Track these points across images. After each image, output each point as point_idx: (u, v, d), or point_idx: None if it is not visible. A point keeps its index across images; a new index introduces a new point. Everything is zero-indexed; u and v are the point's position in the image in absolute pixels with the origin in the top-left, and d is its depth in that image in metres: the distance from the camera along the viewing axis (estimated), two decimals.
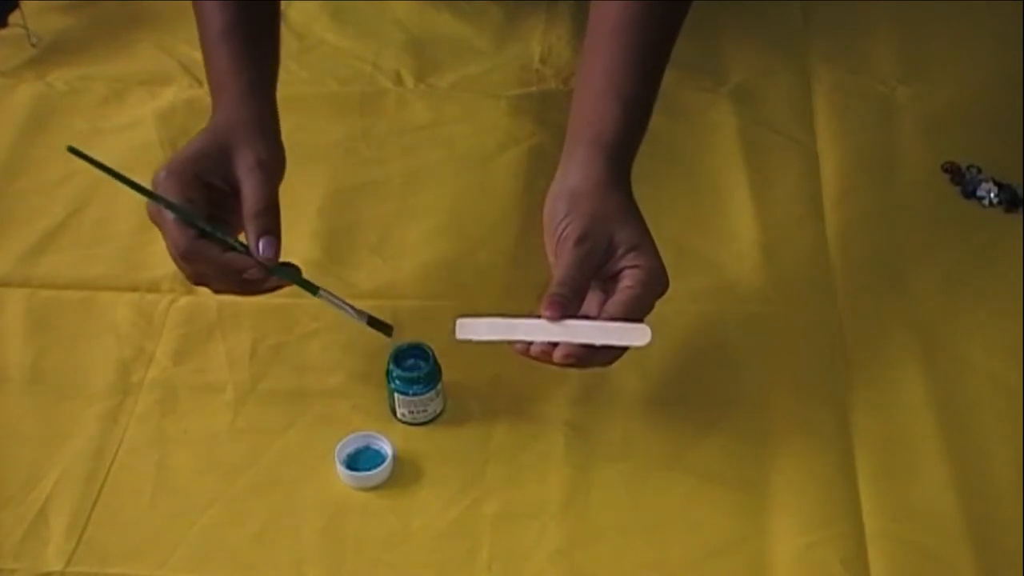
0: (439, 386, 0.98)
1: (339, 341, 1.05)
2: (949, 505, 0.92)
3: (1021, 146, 1.19)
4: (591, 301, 0.91)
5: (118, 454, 0.97)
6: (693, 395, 1.00)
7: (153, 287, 1.09)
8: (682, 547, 0.91)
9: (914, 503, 0.93)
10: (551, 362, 0.89)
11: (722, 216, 1.15)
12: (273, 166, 0.96)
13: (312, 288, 0.95)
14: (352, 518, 0.93)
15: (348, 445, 0.96)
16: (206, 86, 1.28)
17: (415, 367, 0.97)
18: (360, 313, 0.95)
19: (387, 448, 0.96)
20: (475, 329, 0.93)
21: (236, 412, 1.00)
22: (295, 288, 0.97)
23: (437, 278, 1.04)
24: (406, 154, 1.23)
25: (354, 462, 0.96)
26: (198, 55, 1.32)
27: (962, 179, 1.17)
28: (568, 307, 0.89)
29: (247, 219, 0.93)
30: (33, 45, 1.34)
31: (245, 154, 0.94)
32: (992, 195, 1.15)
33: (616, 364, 1.01)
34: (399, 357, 0.98)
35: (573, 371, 1.01)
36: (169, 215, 0.92)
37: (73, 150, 0.94)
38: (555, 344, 0.89)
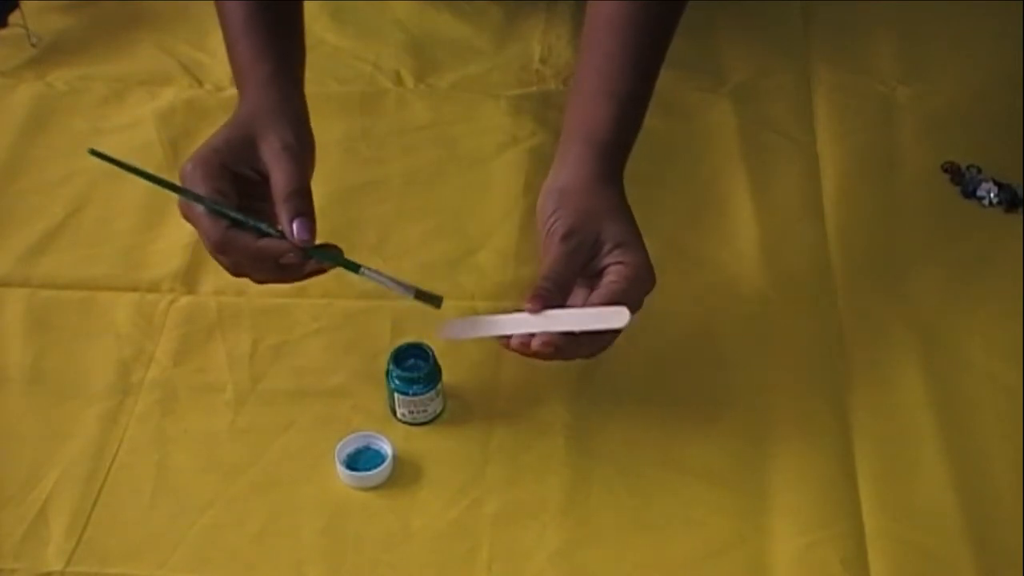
0: (439, 386, 0.98)
1: (339, 341, 1.05)
2: (949, 505, 0.92)
3: (1021, 146, 1.19)
4: (576, 297, 0.92)
5: (118, 454, 0.97)
6: (693, 395, 1.00)
7: (153, 287, 1.09)
8: (682, 547, 0.91)
9: (914, 503, 0.93)
10: (531, 353, 0.89)
11: (722, 216, 1.15)
12: (301, 149, 0.95)
13: (354, 267, 0.93)
14: (352, 518, 0.93)
15: (348, 445, 0.96)
16: (206, 86, 1.29)
17: (415, 367, 0.97)
18: (407, 287, 0.93)
19: (387, 448, 0.96)
20: (458, 328, 0.93)
21: (236, 412, 1.00)
22: (295, 288, 0.97)
23: (437, 278, 1.04)
24: (406, 154, 1.23)
25: (354, 462, 0.96)
26: (198, 55, 1.33)
27: (962, 179, 1.17)
28: (551, 301, 0.89)
29: (278, 203, 0.91)
30: (33, 45, 1.34)
31: (271, 139, 0.93)
32: (992, 195, 1.15)
33: (616, 364, 1.01)
34: (399, 357, 0.98)
35: (572, 371, 1.01)
36: (199, 208, 0.91)
37: (95, 152, 0.93)
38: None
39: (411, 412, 0.98)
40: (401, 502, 0.94)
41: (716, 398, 1.00)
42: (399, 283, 0.93)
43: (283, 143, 0.93)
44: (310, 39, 1.32)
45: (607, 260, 0.91)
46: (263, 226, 0.91)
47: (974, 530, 0.91)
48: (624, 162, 0.98)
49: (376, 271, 0.93)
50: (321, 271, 0.94)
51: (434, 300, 0.94)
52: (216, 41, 1.32)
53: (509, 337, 0.90)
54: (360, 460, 0.96)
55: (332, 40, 1.34)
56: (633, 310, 0.90)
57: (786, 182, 1.18)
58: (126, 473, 0.96)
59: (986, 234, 1.13)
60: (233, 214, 0.91)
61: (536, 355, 0.90)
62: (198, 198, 0.91)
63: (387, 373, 0.98)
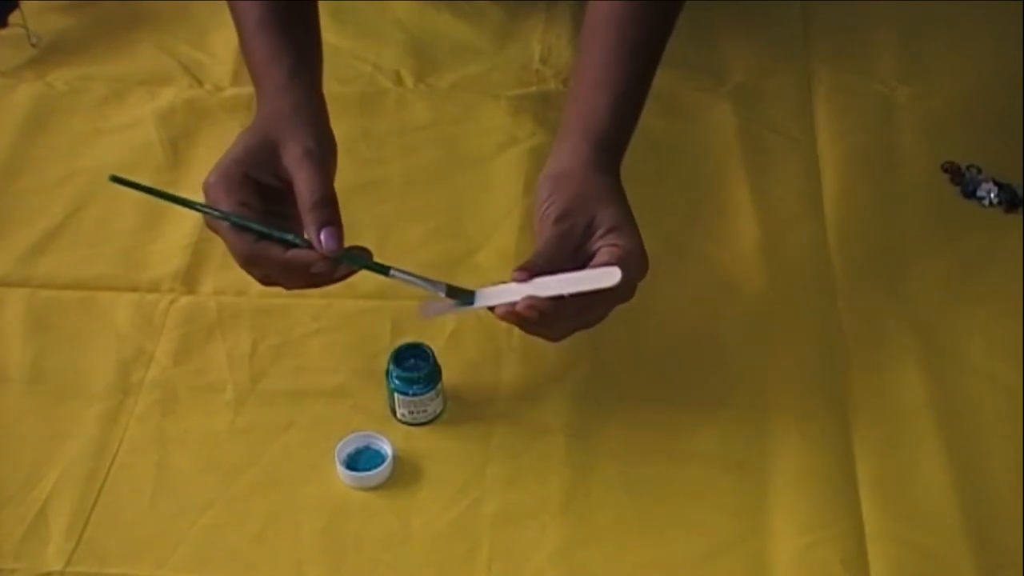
0: (439, 386, 0.98)
1: (339, 341, 1.05)
2: (949, 505, 0.92)
3: (1021, 146, 1.19)
4: None
5: (118, 454, 0.97)
6: (693, 395, 1.00)
7: (153, 287, 1.09)
8: (682, 547, 0.91)
9: (914, 503, 0.93)
10: (516, 319, 0.88)
11: (722, 216, 1.15)
12: (323, 154, 0.94)
13: (383, 269, 0.92)
14: (352, 518, 0.93)
15: (348, 445, 0.96)
16: (206, 86, 1.29)
17: (415, 367, 0.97)
18: (436, 284, 0.93)
19: (387, 448, 0.96)
20: (442, 304, 0.92)
21: (236, 412, 1.00)
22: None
23: (437, 278, 1.04)
24: (406, 154, 1.22)
25: (354, 462, 0.96)
26: (198, 55, 1.33)
27: (962, 179, 1.17)
28: (539, 272, 0.88)
29: (304, 213, 0.90)
30: (33, 45, 1.34)
31: (291, 146, 0.93)
32: (992, 195, 1.15)
33: (616, 364, 1.02)
34: (399, 357, 0.98)
35: (572, 371, 1.01)
36: (224, 223, 0.91)
37: (116, 178, 0.92)
38: None
39: (411, 412, 0.98)
40: (401, 502, 0.94)
41: (716, 398, 1.00)
42: (429, 281, 0.93)
43: (304, 149, 0.93)
44: None
45: (600, 243, 0.91)
46: (290, 237, 0.91)
47: (974, 530, 0.91)
48: (621, 154, 0.98)
49: (405, 271, 0.93)
50: (351, 273, 0.93)
51: (466, 295, 0.93)
52: (216, 41, 1.32)
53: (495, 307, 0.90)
54: (360, 460, 0.96)
55: (332, 40, 1.33)
56: (626, 296, 0.90)
57: (786, 182, 1.18)
58: (126, 473, 0.96)
59: (986, 234, 1.13)
60: (259, 227, 0.90)
61: (522, 321, 0.88)
62: (223, 215, 0.90)
63: (387, 373, 0.98)
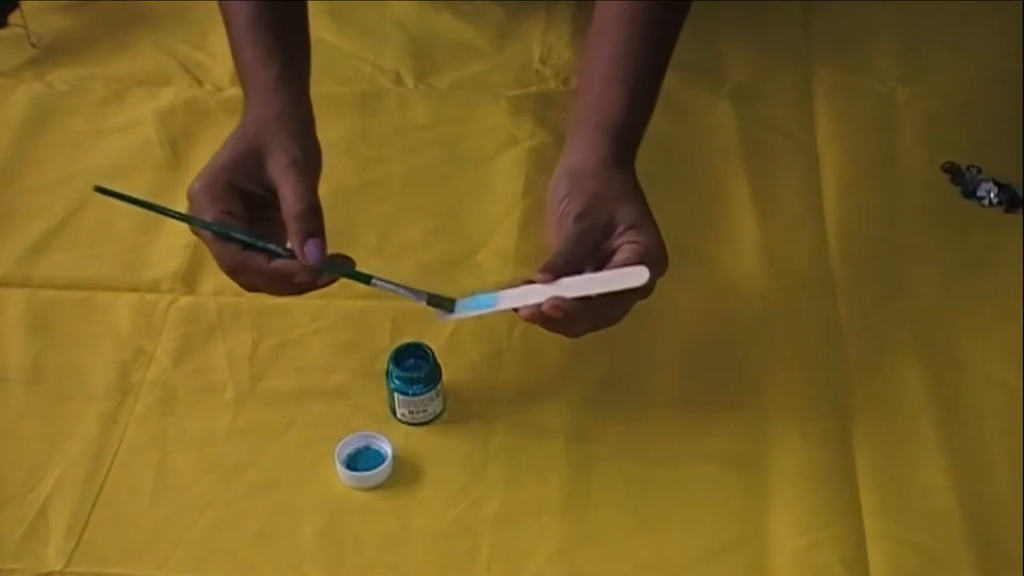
0: (439, 386, 0.98)
1: (339, 341, 1.05)
2: (949, 505, 0.92)
3: (1021, 146, 1.19)
4: None
5: (118, 454, 0.97)
6: (693, 395, 1.00)
7: (153, 287, 1.09)
8: (682, 547, 0.91)
9: (914, 503, 0.93)
10: (540, 319, 0.88)
11: (722, 216, 1.15)
12: (308, 164, 0.94)
13: (365, 279, 0.93)
14: (352, 518, 0.93)
15: (348, 445, 0.96)
16: (206, 86, 1.29)
17: (415, 367, 0.97)
18: (418, 293, 0.93)
19: (387, 448, 0.96)
20: (466, 306, 0.92)
21: (236, 412, 1.00)
22: None
23: (437, 278, 1.04)
24: (406, 154, 1.22)
25: (354, 462, 0.96)
26: (198, 55, 1.33)
27: (962, 179, 1.17)
28: (563, 273, 0.88)
29: (288, 223, 0.91)
30: (33, 45, 1.34)
31: (277, 156, 0.93)
32: (992, 195, 1.15)
33: (616, 364, 1.02)
34: (399, 357, 0.98)
35: (572, 371, 1.01)
36: (209, 232, 0.91)
37: (100, 189, 0.93)
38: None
39: (411, 412, 0.98)
40: (401, 502, 0.94)
41: (715, 398, 1.00)
42: (410, 290, 0.93)
43: (290, 159, 0.93)
44: None
45: (620, 240, 0.90)
46: (272, 247, 0.91)
47: (974, 530, 0.91)
48: (635, 148, 0.97)
49: (387, 281, 0.93)
50: (334, 280, 0.93)
51: (446, 304, 0.94)
52: (216, 41, 1.32)
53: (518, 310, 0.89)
54: (360, 460, 0.96)
55: (332, 40, 1.34)
56: (646, 293, 0.89)
57: (786, 182, 1.18)
58: (126, 473, 0.96)
59: (986, 234, 1.13)
60: (242, 237, 0.91)
61: (545, 320, 0.88)
62: (206, 225, 0.91)
63: (387, 373, 0.98)
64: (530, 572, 0.90)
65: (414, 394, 0.97)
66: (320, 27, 1.34)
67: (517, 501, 0.94)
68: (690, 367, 1.02)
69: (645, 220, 0.91)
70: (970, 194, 1.16)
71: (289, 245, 0.92)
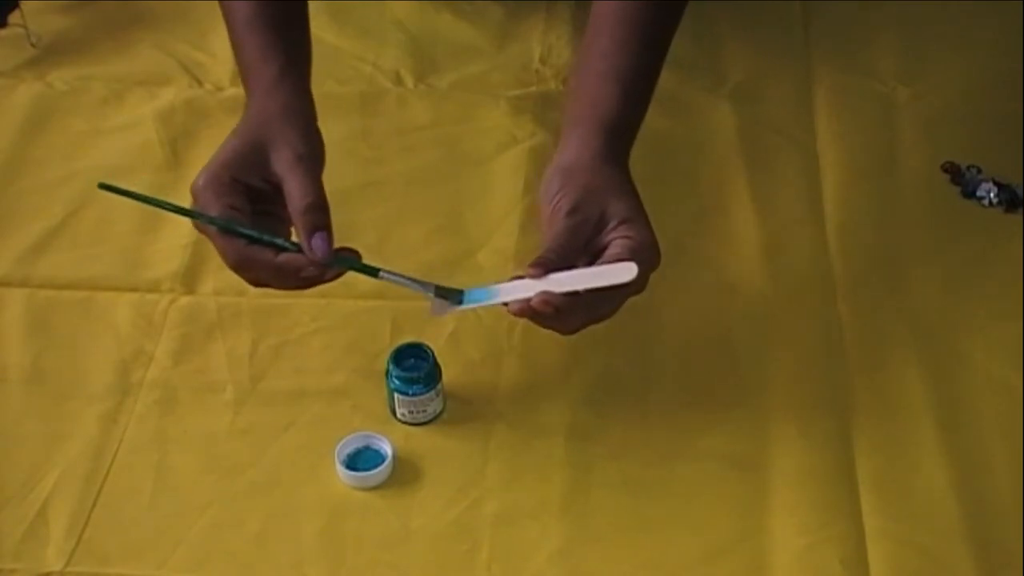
0: (439, 386, 0.98)
1: (339, 341, 1.05)
2: (949, 505, 0.92)
3: (1021, 146, 1.19)
4: None
5: (118, 454, 0.97)
6: (693, 395, 1.00)
7: (153, 287, 1.09)
8: (682, 547, 0.91)
9: (914, 503, 0.93)
10: (530, 314, 0.88)
11: (722, 216, 1.15)
12: (313, 158, 0.94)
13: (373, 271, 0.93)
14: (352, 518, 0.93)
15: (348, 445, 0.96)
16: (206, 86, 1.29)
17: (415, 367, 0.97)
18: (426, 285, 0.93)
19: (387, 448, 0.96)
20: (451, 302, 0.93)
21: (236, 412, 1.00)
22: None
23: (437, 278, 1.04)
24: (406, 154, 1.22)
25: (354, 462, 0.95)
26: (198, 55, 1.33)
27: (962, 179, 1.17)
28: (554, 268, 0.88)
29: (295, 217, 0.91)
30: (33, 45, 1.34)
31: (282, 150, 0.93)
32: (992, 195, 1.15)
33: (616, 364, 1.01)
34: (399, 357, 0.98)
35: (572, 371, 1.01)
36: (214, 228, 0.91)
37: (105, 186, 0.93)
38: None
39: (411, 412, 0.98)
40: (401, 502, 0.94)
41: (716, 398, 1.00)
42: (418, 282, 0.93)
43: (295, 153, 0.93)
44: None
45: (612, 235, 0.90)
46: (279, 241, 0.91)
47: (974, 530, 0.91)
48: (629, 145, 0.97)
49: (395, 273, 0.93)
50: (341, 274, 0.93)
51: (454, 295, 0.93)
52: (216, 41, 1.32)
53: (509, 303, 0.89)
54: (360, 460, 0.96)
55: (332, 40, 1.34)
56: (638, 289, 0.89)
57: (786, 182, 1.18)
58: (126, 473, 0.96)
59: (986, 234, 1.13)
60: (248, 232, 0.91)
61: (534, 316, 0.88)
62: (212, 219, 0.91)
63: (387, 373, 0.98)
64: (530, 572, 0.90)
65: (414, 394, 0.97)
66: (320, 27, 1.34)
67: (517, 501, 0.94)
68: (690, 367, 1.02)
69: (637, 215, 0.91)
70: (970, 194, 1.16)
71: (295, 239, 0.92)
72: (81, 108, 1.28)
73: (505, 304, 0.90)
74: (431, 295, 0.93)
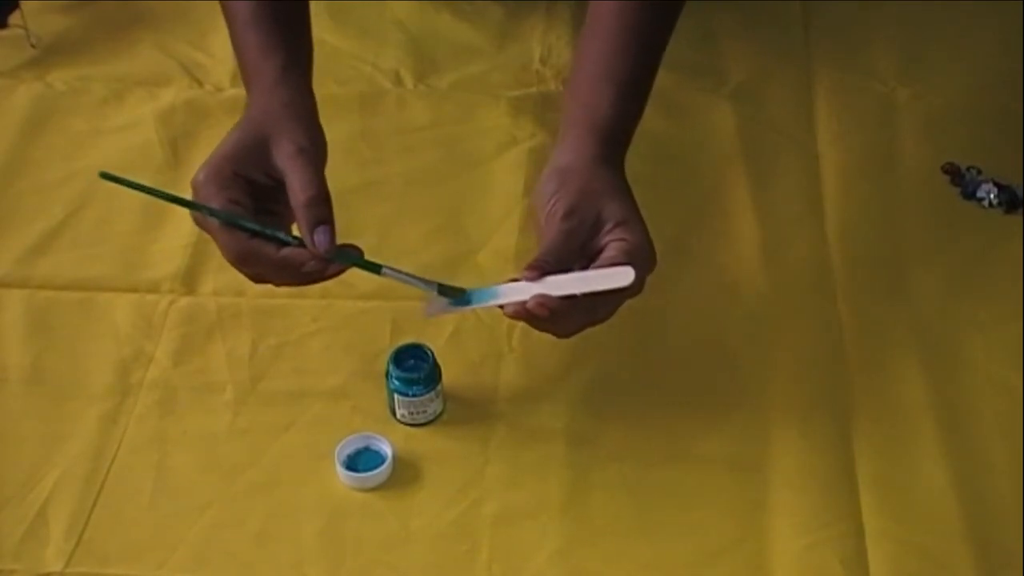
0: (438, 387, 0.98)
1: (339, 341, 1.05)
2: (949, 505, 0.92)
3: (1021, 146, 1.19)
4: None
5: (118, 454, 0.97)
6: (693, 395, 1.00)
7: (153, 287, 1.09)
8: (682, 547, 0.91)
9: (914, 503, 0.93)
10: (525, 316, 0.88)
11: (722, 216, 1.15)
12: (315, 151, 0.94)
13: (375, 268, 0.92)
14: (352, 518, 0.93)
15: (348, 446, 0.96)
16: (206, 86, 1.29)
17: (415, 368, 0.97)
18: (429, 283, 0.93)
19: (387, 449, 0.96)
20: (444, 305, 0.92)
21: (236, 412, 1.00)
22: (295, 288, 0.97)
23: (437, 278, 1.04)
24: (406, 154, 1.22)
25: (354, 463, 0.95)
26: (198, 55, 1.33)
27: (962, 180, 1.17)
28: (550, 270, 0.88)
29: (297, 211, 0.90)
30: (33, 45, 1.34)
31: (283, 144, 0.92)
32: (992, 196, 1.15)
33: (616, 365, 1.01)
34: (399, 358, 0.98)
35: (572, 371, 1.01)
36: (215, 222, 0.90)
37: (106, 175, 0.92)
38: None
39: (411, 413, 0.98)
40: (401, 503, 0.94)
41: (716, 398, 1.00)
42: (421, 280, 0.93)
43: (297, 147, 0.92)
44: None
45: (607, 238, 0.91)
46: (281, 235, 0.91)
47: (974, 530, 0.91)
48: (625, 147, 0.97)
49: (397, 270, 0.93)
50: (343, 270, 0.93)
51: (457, 293, 0.93)
52: (216, 41, 1.32)
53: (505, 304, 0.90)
54: (360, 461, 0.96)
55: (332, 40, 1.34)
56: (636, 291, 0.89)
57: (786, 182, 1.18)
58: (126, 473, 0.96)
59: (986, 235, 1.13)
60: (251, 226, 0.90)
61: (530, 318, 0.89)
62: (214, 212, 0.90)
63: (387, 374, 0.98)
64: (530, 572, 0.90)
65: (414, 395, 0.97)
66: (320, 27, 1.33)
67: (517, 501, 0.94)
68: (690, 368, 1.02)
69: (632, 217, 0.91)
70: (970, 195, 1.16)
71: (297, 233, 0.91)
72: (81, 108, 1.28)
73: (501, 307, 0.90)
74: (433, 292, 0.93)
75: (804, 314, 1.06)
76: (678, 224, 1.13)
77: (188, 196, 0.94)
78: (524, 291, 0.88)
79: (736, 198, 1.17)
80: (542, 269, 0.88)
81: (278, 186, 0.92)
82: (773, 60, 1.32)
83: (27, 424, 1.00)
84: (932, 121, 1.24)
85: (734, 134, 1.23)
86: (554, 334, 0.92)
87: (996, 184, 1.15)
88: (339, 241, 0.92)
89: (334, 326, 1.06)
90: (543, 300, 0.87)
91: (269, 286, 0.96)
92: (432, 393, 0.97)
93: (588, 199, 0.91)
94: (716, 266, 1.10)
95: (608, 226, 0.91)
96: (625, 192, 0.94)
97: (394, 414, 0.99)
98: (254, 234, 0.90)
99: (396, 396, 0.97)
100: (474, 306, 0.93)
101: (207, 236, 0.94)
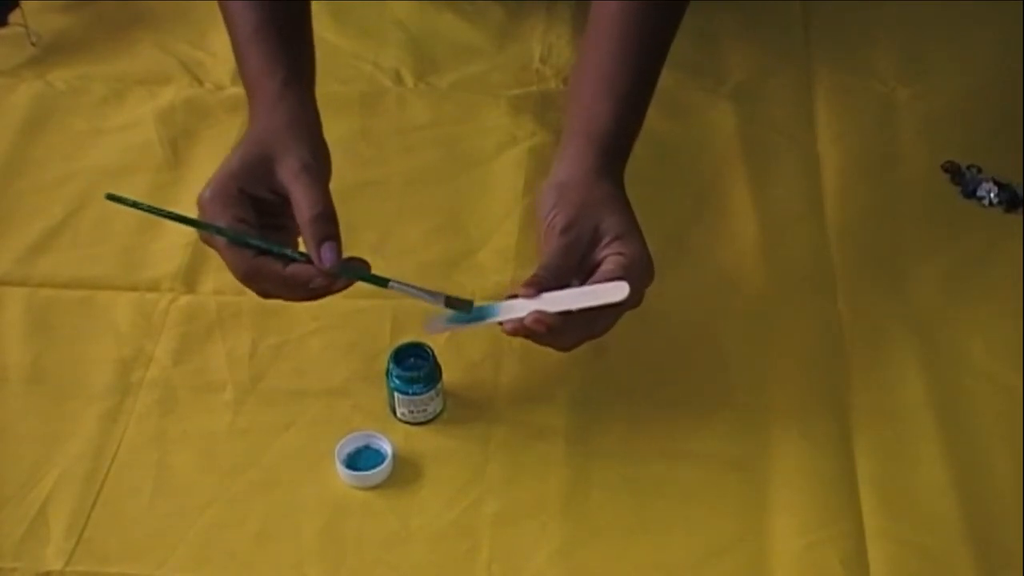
0: (439, 386, 0.98)
1: (339, 341, 1.05)
2: (949, 505, 0.92)
3: (1021, 146, 1.19)
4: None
5: (118, 454, 0.97)
6: (693, 395, 1.00)
7: (153, 287, 1.09)
8: (682, 547, 0.91)
9: (914, 503, 0.93)
10: (524, 332, 0.89)
11: (722, 216, 1.15)
12: (319, 167, 0.94)
13: (382, 282, 0.93)
14: (352, 518, 0.93)
15: (348, 445, 0.96)
16: (206, 85, 1.29)
17: (415, 367, 0.97)
18: (435, 295, 0.93)
19: (387, 448, 0.96)
20: (446, 322, 0.93)
21: (236, 412, 1.00)
22: None
23: (437, 278, 1.04)
24: (406, 154, 1.22)
25: (354, 462, 0.96)
26: (198, 55, 1.33)
27: (962, 179, 1.17)
28: (547, 287, 0.89)
29: (303, 228, 0.91)
30: (33, 45, 1.34)
31: (288, 160, 0.93)
32: (992, 195, 1.15)
33: (616, 364, 1.02)
34: (399, 356, 0.98)
35: (572, 371, 1.01)
36: (222, 240, 0.91)
37: (112, 196, 0.93)
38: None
39: (411, 412, 0.98)
40: (401, 502, 0.94)
41: (716, 397, 1.00)
42: (428, 292, 0.93)
43: (302, 163, 0.92)
44: None
45: (605, 251, 0.91)
46: (288, 252, 0.91)
47: (974, 530, 0.91)
48: (624, 160, 0.98)
49: (404, 283, 0.93)
50: (349, 284, 0.93)
51: (464, 305, 0.93)
52: (216, 40, 1.32)
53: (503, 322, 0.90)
54: (360, 460, 0.96)
55: (332, 40, 1.34)
56: (633, 304, 0.90)
57: (786, 182, 1.18)
58: (126, 473, 0.96)
59: (986, 234, 1.13)
60: (257, 243, 0.91)
61: (529, 334, 0.89)
62: (220, 230, 0.91)
63: (387, 373, 0.98)
64: (530, 572, 0.90)
65: (414, 394, 0.97)
66: (320, 27, 1.33)
67: (517, 501, 0.94)
68: (690, 367, 1.02)
69: (630, 231, 0.92)
70: (970, 194, 1.16)
71: (303, 249, 0.92)
72: (81, 108, 1.28)
73: (500, 323, 0.90)
74: (440, 304, 0.93)
75: (804, 313, 1.06)
76: (678, 223, 1.13)
77: (190, 198, 0.94)
78: (522, 308, 0.89)
79: (736, 198, 1.17)
80: (539, 286, 0.89)
81: (283, 202, 0.93)
82: (773, 60, 1.32)
83: (27, 423, 1.00)
84: (932, 121, 1.24)
85: (734, 134, 1.23)
86: (554, 348, 0.92)
87: (996, 183, 1.15)
88: (341, 239, 0.92)
89: (334, 325, 1.06)
90: (540, 317, 0.88)
91: None
92: (432, 392, 0.97)
93: (586, 213, 0.92)
94: (716, 266, 1.10)
95: (606, 240, 0.91)
96: (624, 205, 0.94)
97: (394, 413, 0.99)
98: (260, 251, 0.91)
99: (396, 395, 0.97)
100: (473, 324, 0.93)
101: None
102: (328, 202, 0.92)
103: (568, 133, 0.98)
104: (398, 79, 1.30)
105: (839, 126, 1.24)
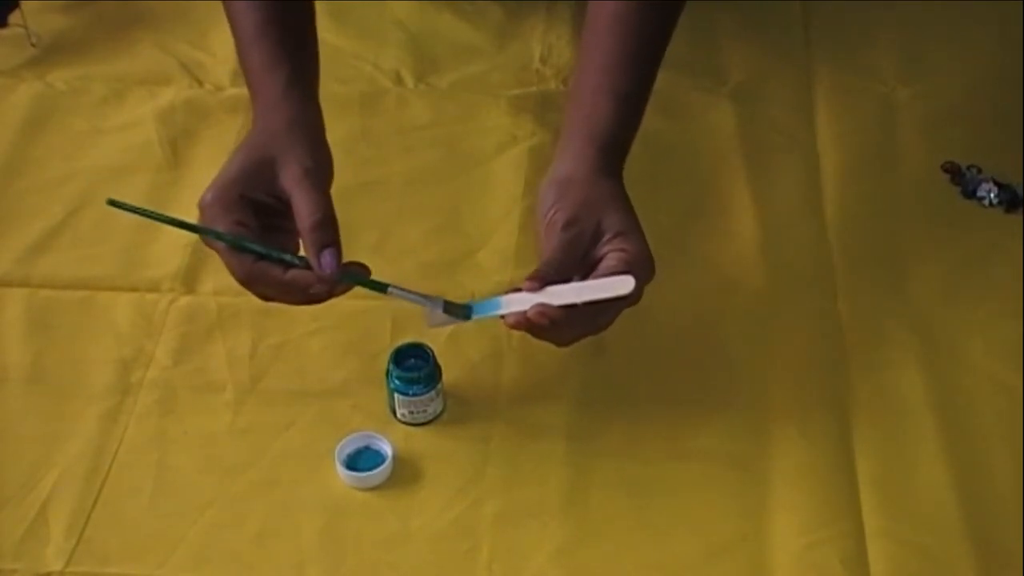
0: (439, 386, 0.98)
1: (339, 341, 1.05)
2: (949, 505, 0.92)
3: (1021, 146, 1.19)
4: None
5: (118, 454, 0.97)
6: (693, 395, 1.00)
7: (153, 287, 1.09)
8: (682, 547, 0.91)
9: (914, 503, 0.93)
10: (526, 326, 0.89)
11: (722, 216, 1.15)
12: (320, 173, 0.94)
13: (381, 287, 0.93)
14: (352, 518, 0.93)
15: (348, 445, 0.96)
16: (206, 86, 1.29)
17: (415, 367, 0.97)
18: (434, 300, 0.93)
19: (387, 448, 0.96)
20: (447, 315, 0.93)
21: (236, 412, 1.00)
22: None
23: (437, 278, 1.04)
24: (406, 154, 1.23)
25: (354, 462, 0.96)
26: (198, 55, 1.33)
27: (962, 179, 1.17)
28: (551, 281, 0.89)
29: (303, 233, 0.91)
30: (33, 45, 1.34)
31: (289, 166, 0.93)
32: (992, 195, 1.15)
33: (616, 364, 1.02)
34: (399, 357, 0.98)
35: (572, 371, 1.01)
36: (222, 243, 0.91)
37: (113, 202, 0.93)
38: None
39: (411, 412, 0.98)
40: (401, 502, 0.94)
41: (716, 397, 1.00)
42: (427, 297, 0.93)
43: (303, 169, 0.92)
44: None
45: (606, 248, 0.91)
46: (288, 257, 0.91)
47: (974, 530, 0.91)
48: (624, 158, 0.98)
49: (403, 289, 0.93)
50: (349, 289, 0.93)
51: (463, 311, 0.94)
52: (216, 41, 1.32)
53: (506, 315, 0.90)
54: (360, 460, 0.96)
55: (332, 40, 1.33)
56: (634, 300, 0.90)
57: (786, 182, 1.18)
58: (126, 473, 0.96)
59: (986, 234, 1.13)
60: (257, 248, 0.91)
61: (531, 328, 0.89)
62: (220, 235, 0.91)
63: (387, 373, 0.98)
64: (530, 572, 0.90)
65: (414, 394, 0.97)
66: (320, 27, 1.32)
67: (517, 501, 0.94)
68: (690, 367, 1.02)
69: (631, 228, 0.92)
70: (970, 194, 1.16)
71: (303, 254, 0.92)
72: (81, 108, 1.28)
73: (503, 317, 0.90)
74: (439, 310, 0.93)
75: (804, 313, 1.06)
76: (678, 223, 1.13)
77: (190, 199, 0.94)
78: (525, 301, 0.89)
79: (736, 197, 1.17)
80: (543, 279, 0.89)
81: (284, 206, 0.93)
82: (773, 60, 1.32)
83: (27, 423, 1.00)
84: (932, 121, 1.24)
85: (734, 133, 1.24)
86: (553, 343, 0.92)
87: (996, 183, 1.15)
88: (341, 240, 0.92)
89: (334, 326, 1.06)
90: (544, 309, 0.88)
91: None
92: (432, 392, 0.97)
93: (588, 210, 0.92)
94: (716, 265, 1.10)
95: (608, 236, 0.91)
96: (624, 202, 0.94)
97: (394, 413, 0.99)
98: (260, 256, 0.91)
99: (396, 395, 0.97)
100: (475, 318, 0.93)
101: None
102: (329, 208, 0.92)
103: (568, 131, 0.99)
104: (398, 79, 1.30)
105: (839, 126, 1.24)
